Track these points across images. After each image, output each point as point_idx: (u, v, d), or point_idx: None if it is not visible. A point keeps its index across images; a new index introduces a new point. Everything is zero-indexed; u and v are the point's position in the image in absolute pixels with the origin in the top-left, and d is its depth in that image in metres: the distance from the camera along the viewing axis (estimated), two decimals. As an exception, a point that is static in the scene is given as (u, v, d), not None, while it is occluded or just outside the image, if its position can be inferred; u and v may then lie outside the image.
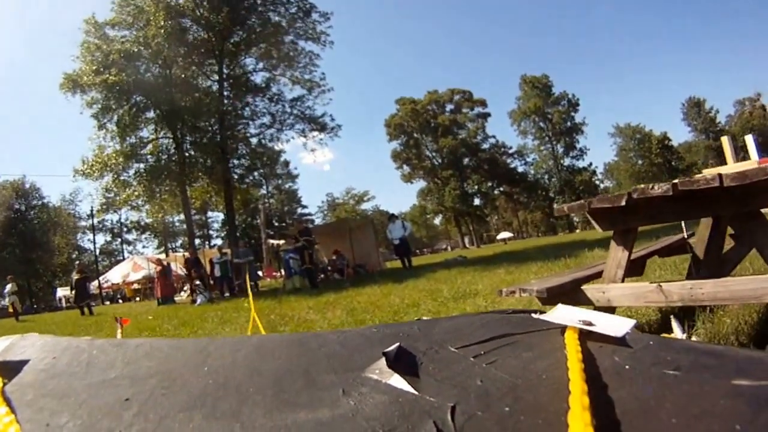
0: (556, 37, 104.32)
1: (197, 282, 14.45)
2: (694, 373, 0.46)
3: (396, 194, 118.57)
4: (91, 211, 36.93)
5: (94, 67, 17.84)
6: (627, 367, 0.49)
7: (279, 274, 20.07)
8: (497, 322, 0.61)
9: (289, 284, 12.70)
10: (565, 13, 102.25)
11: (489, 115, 64.18)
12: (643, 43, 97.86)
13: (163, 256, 29.52)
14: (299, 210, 68.04)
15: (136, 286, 32.84)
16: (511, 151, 65.28)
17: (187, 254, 19.03)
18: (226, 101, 20.92)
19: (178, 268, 21.88)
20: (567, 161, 63.84)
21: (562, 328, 0.56)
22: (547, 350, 0.54)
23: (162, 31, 17.87)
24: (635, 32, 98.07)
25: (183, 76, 19.71)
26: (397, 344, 0.58)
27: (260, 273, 22.78)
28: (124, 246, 57.95)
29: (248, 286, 5.11)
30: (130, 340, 0.97)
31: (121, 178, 19.24)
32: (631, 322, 0.54)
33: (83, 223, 54.41)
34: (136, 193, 19.08)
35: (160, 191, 19.65)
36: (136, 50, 18.41)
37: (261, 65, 22.98)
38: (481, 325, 0.61)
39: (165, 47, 18.36)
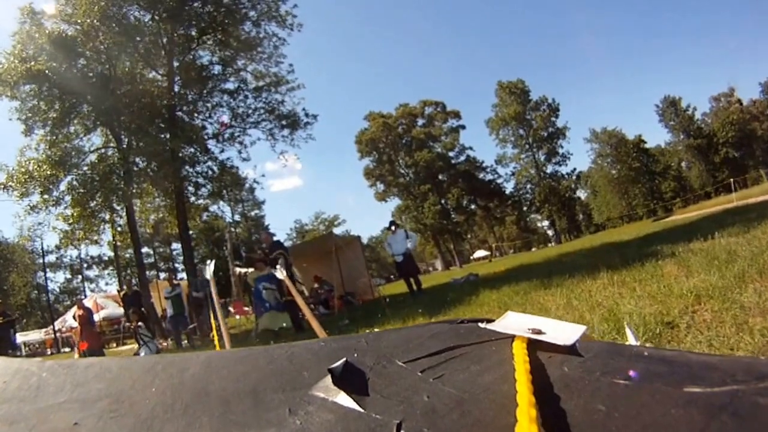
0: (523, 44, 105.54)
1: (140, 325, 10.72)
2: (645, 382, 0.45)
3: (366, 219, 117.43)
4: (42, 245, 32.94)
5: (23, 55, 15.38)
6: (576, 377, 0.47)
7: (250, 309, 16.78)
8: (446, 334, 0.59)
9: (263, 324, 9.53)
10: (532, 20, 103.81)
11: (463, 127, 63.11)
12: (613, 47, 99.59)
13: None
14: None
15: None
16: (485, 165, 63.88)
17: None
18: (176, 97, 18.43)
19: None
20: (549, 168, 62.64)
21: (511, 338, 0.55)
22: (495, 362, 0.52)
23: (95, 8, 15.48)
24: (604, 36, 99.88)
25: (128, 71, 17.34)
26: (344, 360, 0.56)
27: (230, 309, 20.29)
28: (86, 283, 53.67)
29: (214, 329, 4.16)
30: (80, 361, 0.95)
31: (53, 194, 16.01)
32: (581, 329, 0.53)
33: (45, 260, 51.15)
34: (70, 214, 15.95)
35: (105, 207, 16.73)
36: (71, 33, 16.03)
37: (217, 57, 19.87)
38: (429, 336, 0.59)
39: (101, 31, 16.08)
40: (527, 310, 4.77)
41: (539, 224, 71.95)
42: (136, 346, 11.93)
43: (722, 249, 4.93)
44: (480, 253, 65.53)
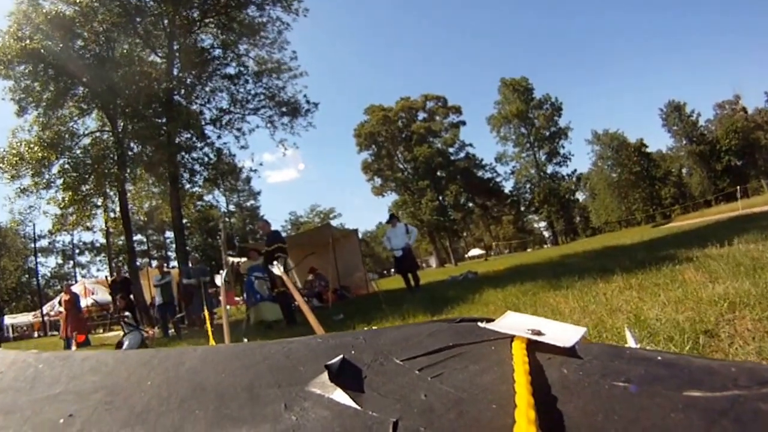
0: (527, 42, 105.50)
1: (126, 315, 10.19)
2: (644, 385, 0.44)
3: (361, 214, 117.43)
4: (34, 229, 32.48)
5: (19, 34, 14.92)
6: (575, 379, 0.47)
7: (241, 299, 16.05)
8: (445, 332, 0.59)
9: (256, 316, 9.33)
10: (537, 18, 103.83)
11: (464, 123, 62.38)
12: (619, 48, 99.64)
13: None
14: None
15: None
16: (484, 163, 63.29)
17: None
18: (174, 80, 17.79)
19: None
20: (550, 168, 61.97)
21: (511, 338, 0.55)
22: (494, 362, 0.52)
23: None
24: (610, 37, 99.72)
25: (126, 53, 16.72)
26: (341, 356, 0.56)
27: (221, 299, 19.68)
28: (77, 269, 53.55)
29: (208, 320, 4.19)
30: (76, 353, 0.96)
31: (44, 177, 15.57)
32: (581, 331, 0.52)
33: (37, 244, 47.39)
34: (62, 198, 15.49)
35: (98, 192, 16.45)
36: (68, 14, 15.45)
37: (219, 41, 19.12)
38: (428, 334, 0.59)
39: (100, 12, 15.69)
40: (538, 312, 4.57)
41: (535, 225, 71.75)
42: (122, 333, 11.28)
43: (744, 255, 4.70)
44: (475, 251, 65.35)
